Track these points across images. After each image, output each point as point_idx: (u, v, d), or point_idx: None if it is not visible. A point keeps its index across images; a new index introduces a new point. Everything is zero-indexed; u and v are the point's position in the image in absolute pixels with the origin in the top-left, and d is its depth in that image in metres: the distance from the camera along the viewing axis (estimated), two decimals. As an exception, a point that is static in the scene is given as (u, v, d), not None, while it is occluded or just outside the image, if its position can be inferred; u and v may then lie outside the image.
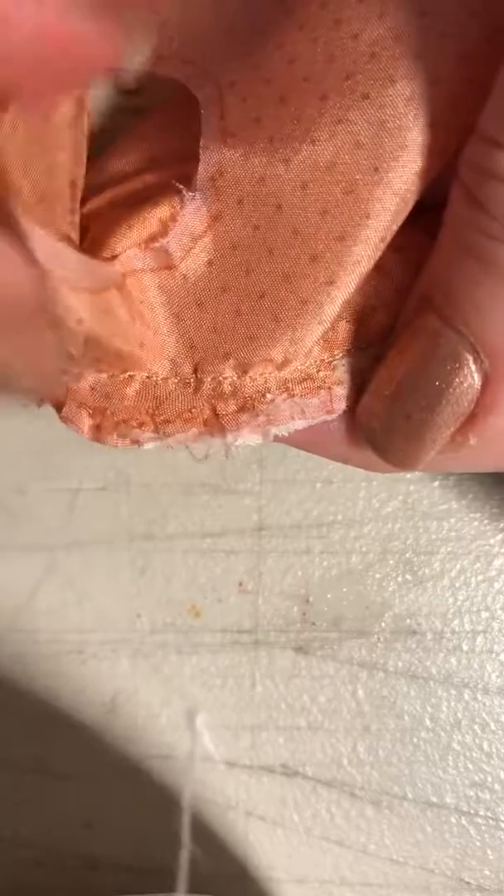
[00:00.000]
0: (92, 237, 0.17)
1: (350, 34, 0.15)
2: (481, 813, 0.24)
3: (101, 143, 0.19)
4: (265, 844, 0.25)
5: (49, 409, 0.18)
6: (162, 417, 0.17)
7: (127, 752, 0.25)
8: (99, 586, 0.25)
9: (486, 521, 0.24)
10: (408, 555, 0.24)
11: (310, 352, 0.17)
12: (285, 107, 0.16)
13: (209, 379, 0.17)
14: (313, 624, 0.24)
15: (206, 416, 0.17)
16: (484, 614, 0.24)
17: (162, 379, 0.17)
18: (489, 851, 0.24)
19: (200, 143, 0.16)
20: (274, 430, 0.17)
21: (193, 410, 0.17)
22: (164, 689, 0.25)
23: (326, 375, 0.17)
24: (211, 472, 0.24)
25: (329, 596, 0.24)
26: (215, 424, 0.17)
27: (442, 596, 0.24)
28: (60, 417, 0.17)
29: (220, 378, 0.17)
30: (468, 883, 0.24)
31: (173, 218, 0.16)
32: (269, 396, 0.17)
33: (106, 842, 0.25)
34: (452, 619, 0.24)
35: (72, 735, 0.25)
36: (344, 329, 0.17)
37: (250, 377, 0.17)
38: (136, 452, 0.24)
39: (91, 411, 0.17)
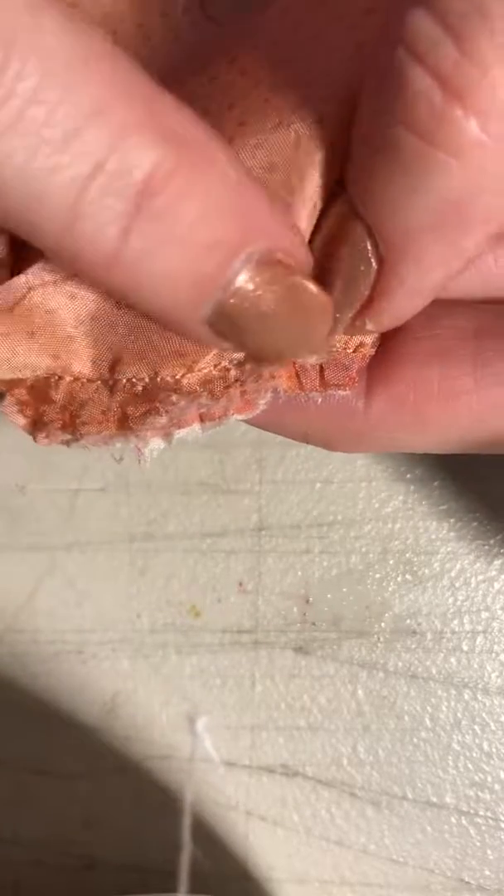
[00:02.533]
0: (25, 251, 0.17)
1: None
2: (481, 813, 0.24)
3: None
4: (265, 844, 0.25)
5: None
6: (80, 419, 0.17)
7: (127, 752, 0.25)
8: (99, 586, 0.25)
9: (486, 521, 0.24)
10: (408, 555, 0.24)
11: (223, 350, 0.16)
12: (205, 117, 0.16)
13: (125, 380, 0.17)
14: (313, 624, 0.24)
15: (118, 419, 0.17)
16: (484, 614, 0.24)
17: (87, 381, 0.17)
18: (489, 851, 0.24)
19: None
20: (178, 433, 0.17)
21: (107, 413, 0.17)
22: (164, 689, 0.25)
23: (238, 374, 0.17)
24: (211, 472, 0.24)
25: (329, 596, 0.24)
26: (124, 427, 0.17)
27: (442, 596, 0.24)
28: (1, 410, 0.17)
29: (135, 379, 0.17)
30: (468, 883, 0.24)
31: None
32: (174, 398, 0.16)
33: (106, 842, 0.25)
34: (452, 619, 0.24)
35: (72, 735, 0.25)
36: None
37: (161, 378, 0.17)
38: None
39: (25, 409, 0.17)
